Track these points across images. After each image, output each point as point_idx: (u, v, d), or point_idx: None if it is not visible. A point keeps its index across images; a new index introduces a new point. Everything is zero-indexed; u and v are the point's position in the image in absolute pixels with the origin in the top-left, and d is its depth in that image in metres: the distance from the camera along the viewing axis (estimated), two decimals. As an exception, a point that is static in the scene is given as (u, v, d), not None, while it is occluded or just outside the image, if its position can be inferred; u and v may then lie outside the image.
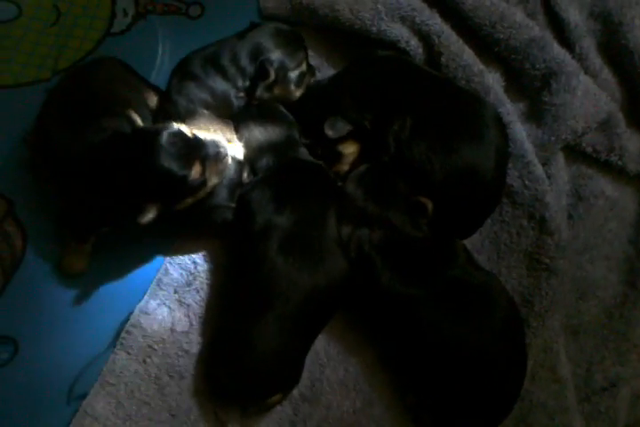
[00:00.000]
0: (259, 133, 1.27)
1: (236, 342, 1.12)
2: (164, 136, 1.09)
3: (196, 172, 1.12)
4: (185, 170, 1.10)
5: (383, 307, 1.16)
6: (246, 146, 1.27)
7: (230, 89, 1.29)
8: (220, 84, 1.29)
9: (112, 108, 1.22)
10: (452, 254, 1.16)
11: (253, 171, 1.26)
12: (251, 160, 1.26)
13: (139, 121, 1.24)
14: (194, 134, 1.15)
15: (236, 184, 1.24)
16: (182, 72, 1.30)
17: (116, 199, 1.12)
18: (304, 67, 1.34)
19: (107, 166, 1.10)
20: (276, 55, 1.29)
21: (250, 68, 1.29)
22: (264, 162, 1.26)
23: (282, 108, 1.32)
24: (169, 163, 1.08)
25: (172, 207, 1.14)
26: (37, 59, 1.43)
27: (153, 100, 1.32)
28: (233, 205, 1.23)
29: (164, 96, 1.31)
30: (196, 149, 1.13)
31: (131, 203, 1.09)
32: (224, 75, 1.29)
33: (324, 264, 1.13)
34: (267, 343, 1.09)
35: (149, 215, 1.09)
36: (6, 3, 1.48)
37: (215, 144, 1.17)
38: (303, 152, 1.28)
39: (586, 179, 1.39)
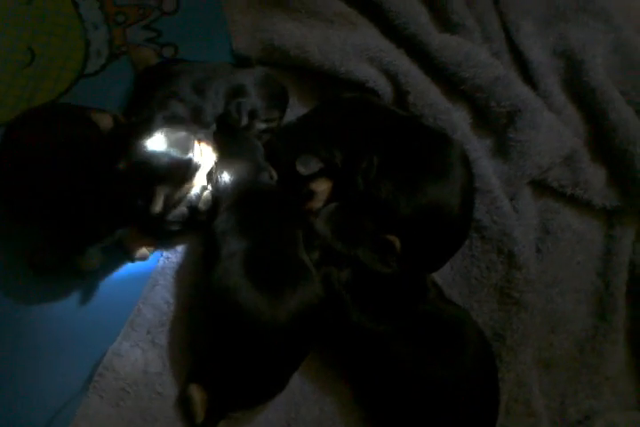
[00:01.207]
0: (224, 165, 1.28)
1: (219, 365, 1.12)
2: (160, 119, 1.13)
3: (197, 152, 1.16)
4: (189, 150, 1.14)
5: (355, 344, 1.17)
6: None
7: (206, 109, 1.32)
8: (198, 103, 1.32)
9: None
10: (422, 290, 1.18)
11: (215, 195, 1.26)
12: (212, 181, 1.26)
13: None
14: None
15: (194, 207, 1.23)
16: (168, 91, 1.32)
17: (125, 192, 1.12)
18: (274, 124, 1.37)
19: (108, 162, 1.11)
20: (252, 102, 1.33)
21: (221, 103, 1.33)
22: (224, 187, 1.26)
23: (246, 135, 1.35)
24: (175, 144, 1.12)
25: (174, 196, 1.15)
26: (11, 100, 1.43)
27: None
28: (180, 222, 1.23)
29: (134, 109, 1.32)
30: (192, 130, 1.16)
31: (141, 192, 1.11)
32: (203, 97, 1.32)
33: (296, 289, 1.11)
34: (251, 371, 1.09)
35: (160, 203, 1.10)
36: (-20, 45, 1.49)
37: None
38: (264, 176, 1.29)
39: (553, 213, 1.42)
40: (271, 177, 1.31)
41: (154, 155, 1.12)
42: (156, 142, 1.13)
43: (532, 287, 1.29)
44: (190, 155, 1.16)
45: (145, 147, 1.11)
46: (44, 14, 1.53)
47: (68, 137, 1.20)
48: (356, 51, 1.43)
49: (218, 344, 1.11)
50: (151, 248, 1.29)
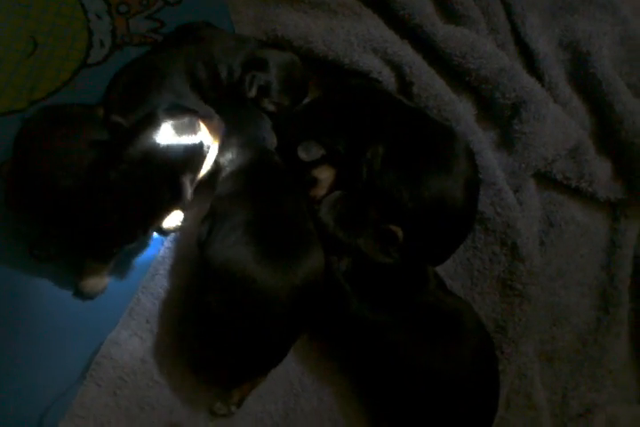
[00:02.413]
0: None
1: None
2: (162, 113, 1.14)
3: (205, 132, 1.17)
4: (197, 134, 1.15)
5: (354, 334, 1.16)
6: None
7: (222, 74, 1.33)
8: (220, 68, 1.33)
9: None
10: (423, 280, 1.17)
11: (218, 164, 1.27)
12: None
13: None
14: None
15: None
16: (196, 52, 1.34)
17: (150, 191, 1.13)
18: (282, 104, 1.36)
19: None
20: (267, 80, 1.32)
21: (237, 73, 1.33)
22: (231, 156, 1.27)
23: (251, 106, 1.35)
24: (184, 132, 1.13)
25: (196, 179, 1.18)
26: (13, 89, 1.43)
27: None
28: None
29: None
30: (194, 113, 1.18)
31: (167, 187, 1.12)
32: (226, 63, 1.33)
33: (304, 257, 1.11)
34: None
35: (190, 191, 1.13)
36: (-17, 34, 1.49)
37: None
38: (269, 146, 1.30)
39: (557, 205, 1.41)
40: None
41: (169, 149, 1.13)
42: (167, 137, 1.13)
43: (535, 280, 1.28)
44: (200, 138, 1.17)
45: (158, 144, 1.12)
46: (47, 4, 1.52)
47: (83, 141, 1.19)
48: (360, 41, 1.42)
49: (222, 315, 1.10)
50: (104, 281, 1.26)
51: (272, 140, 1.32)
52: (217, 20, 1.52)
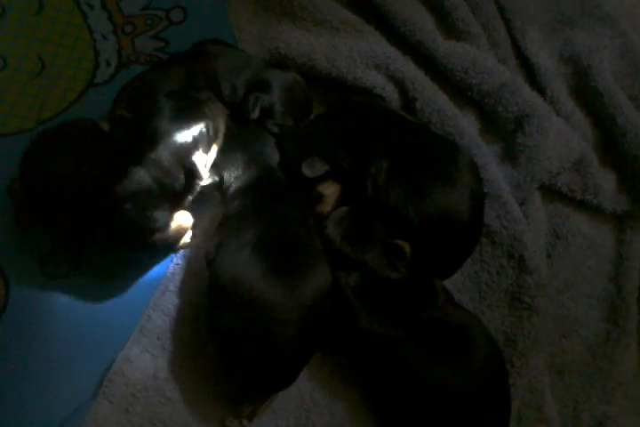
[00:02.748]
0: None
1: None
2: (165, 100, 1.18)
3: (209, 114, 1.22)
4: (203, 116, 1.20)
5: (364, 349, 1.16)
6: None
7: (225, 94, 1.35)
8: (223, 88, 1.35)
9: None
10: (431, 295, 1.17)
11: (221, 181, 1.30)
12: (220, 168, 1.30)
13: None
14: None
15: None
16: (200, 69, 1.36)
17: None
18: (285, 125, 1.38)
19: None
20: (270, 101, 1.34)
21: (240, 92, 1.35)
22: (237, 173, 1.29)
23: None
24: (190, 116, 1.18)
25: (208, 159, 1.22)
26: (21, 109, 1.45)
27: None
28: None
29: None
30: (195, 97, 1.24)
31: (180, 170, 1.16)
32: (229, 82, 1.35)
33: (310, 276, 1.12)
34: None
35: (203, 171, 1.18)
36: (-9, 55, 1.51)
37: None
38: (273, 163, 1.32)
39: (563, 218, 1.41)
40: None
41: (179, 135, 1.16)
42: (174, 121, 1.17)
43: (543, 292, 1.28)
44: (206, 120, 1.20)
45: (167, 130, 1.15)
46: (54, 25, 1.54)
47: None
48: (363, 58, 1.44)
49: (233, 331, 1.10)
50: None
51: (276, 157, 1.33)
52: (222, 35, 1.54)
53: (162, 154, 1.16)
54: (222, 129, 1.26)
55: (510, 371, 1.21)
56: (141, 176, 1.14)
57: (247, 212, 1.22)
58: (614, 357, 1.31)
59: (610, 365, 1.30)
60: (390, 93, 1.43)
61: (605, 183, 1.43)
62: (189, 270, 1.30)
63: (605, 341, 1.33)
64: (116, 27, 1.56)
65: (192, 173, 1.19)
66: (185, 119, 1.19)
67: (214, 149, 1.24)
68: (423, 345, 1.11)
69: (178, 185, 1.18)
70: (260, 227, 1.17)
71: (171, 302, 1.27)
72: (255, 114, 1.33)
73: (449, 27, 1.56)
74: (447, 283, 1.27)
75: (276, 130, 1.35)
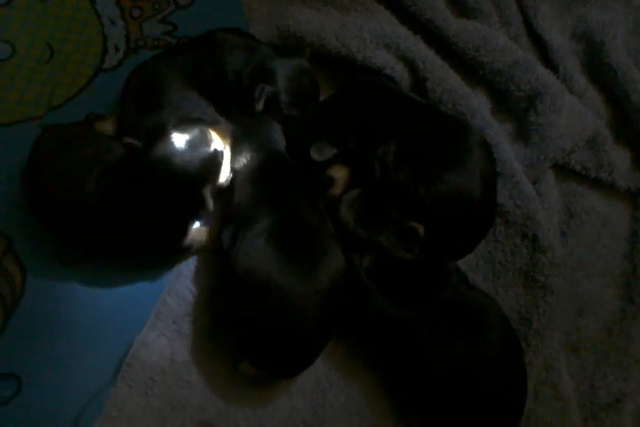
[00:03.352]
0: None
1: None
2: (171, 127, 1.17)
3: (217, 141, 1.20)
4: (210, 144, 1.18)
5: (378, 330, 1.17)
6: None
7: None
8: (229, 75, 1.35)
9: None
10: (445, 276, 1.17)
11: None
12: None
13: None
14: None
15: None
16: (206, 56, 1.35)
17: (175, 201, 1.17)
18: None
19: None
20: (275, 91, 1.32)
21: (246, 81, 1.34)
22: (244, 161, 1.28)
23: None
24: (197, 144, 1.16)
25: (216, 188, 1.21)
26: (31, 96, 1.45)
27: None
28: None
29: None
30: (202, 122, 1.21)
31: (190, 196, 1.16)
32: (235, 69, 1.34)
33: (325, 261, 1.13)
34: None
35: (211, 201, 1.17)
36: (0, 42, 1.50)
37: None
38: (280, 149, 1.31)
39: (576, 196, 1.41)
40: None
41: (187, 165, 1.15)
42: (182, 153, 1.15)
43: (557, 271, 1.27)
44: (213, 147, 1.19)
45: (176, 163, 1.14)
46: (62, 11, 1.54)
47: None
48: (373, 37, 1.43)
49: (253, 320, 1.12)
50: None
51: (283, 143, 1.33)
52: (231, 18, 1.54)
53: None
54: (228, 152, 1.26)
55: (526, 350, 1.21)
56: None
57: (259, 199, 1.22)
58: (630, 334, 1.30)
59: (626, 342, 1.30)
60: (400, 73, 1.42)
61: (619, 160, 1.42)
62: (203, 255, 1.31)
63: (621, 318, 1.32)
64: (123, 11, 1.56)
65: (202, 202, 1.19)
66: (194, 153, 1.17)
67: (224, 173, 1.24)
68: (438, 326, 1.11)
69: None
70: (273, 215, 1.18)
71: (185, 286, 1.27)
72: (260, 106, 1.32)
73: (460, 5, 1.55)
74: (461, 263, 1.27)
75: (281, 119, 1.34)
